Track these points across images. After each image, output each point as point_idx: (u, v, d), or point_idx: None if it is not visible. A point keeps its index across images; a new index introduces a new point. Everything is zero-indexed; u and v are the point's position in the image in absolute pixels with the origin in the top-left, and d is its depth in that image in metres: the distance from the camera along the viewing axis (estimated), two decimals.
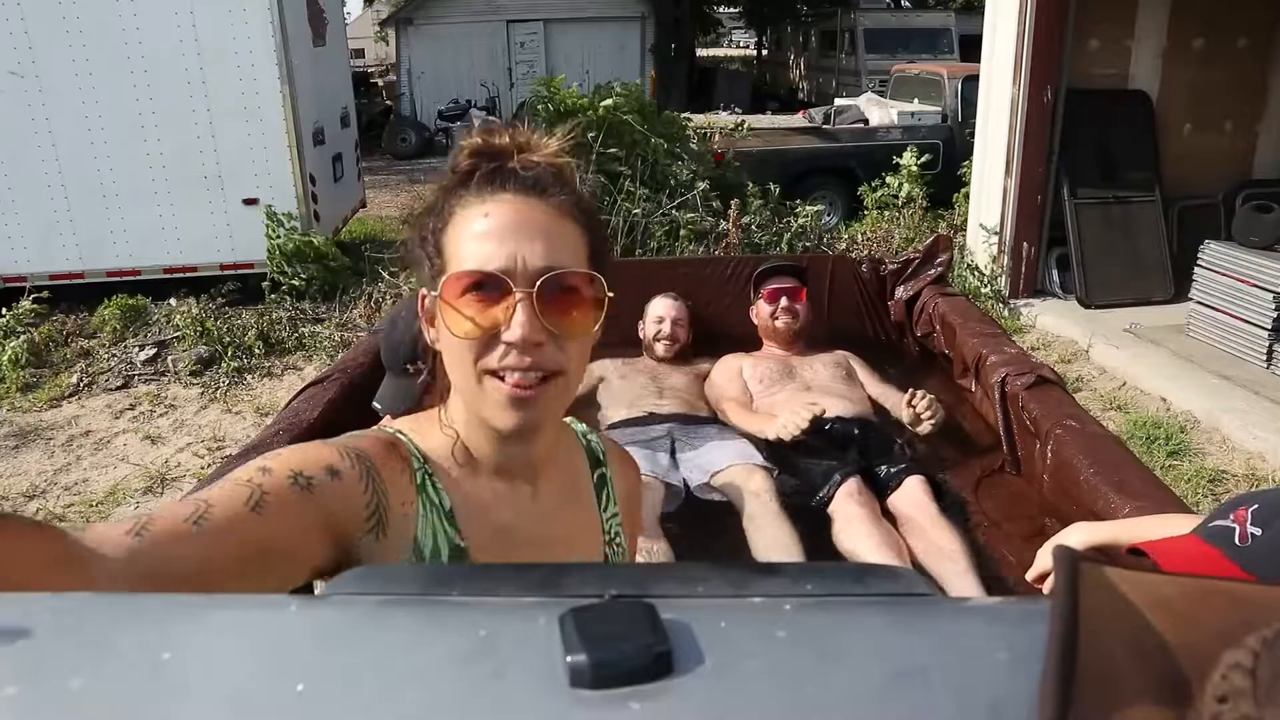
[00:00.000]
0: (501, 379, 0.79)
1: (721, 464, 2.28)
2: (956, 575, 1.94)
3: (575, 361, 0.82)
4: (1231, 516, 0.83)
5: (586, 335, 0.82)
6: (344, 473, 0.79)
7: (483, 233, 0.79)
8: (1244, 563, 0.78)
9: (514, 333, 0.76)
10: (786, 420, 2.32)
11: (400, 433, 0.89)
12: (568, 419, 1.01)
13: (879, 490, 2.29)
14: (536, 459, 0.91)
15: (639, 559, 0.93)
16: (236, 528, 0.70)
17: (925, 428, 2.40)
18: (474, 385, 0.80)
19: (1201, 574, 0.82)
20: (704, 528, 2.21)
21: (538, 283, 0.77)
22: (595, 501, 0.99)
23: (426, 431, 0.90)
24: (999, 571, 2.00)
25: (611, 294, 0.82)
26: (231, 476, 0.75)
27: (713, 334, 3.05)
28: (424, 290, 0.86)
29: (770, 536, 2.03)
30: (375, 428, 0.91)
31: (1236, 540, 0.80)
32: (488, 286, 0.77)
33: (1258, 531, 0.78)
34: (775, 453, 2.36)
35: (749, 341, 2.95)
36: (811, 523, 2.17)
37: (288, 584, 0.76)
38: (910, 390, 2.47)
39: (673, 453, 2.43)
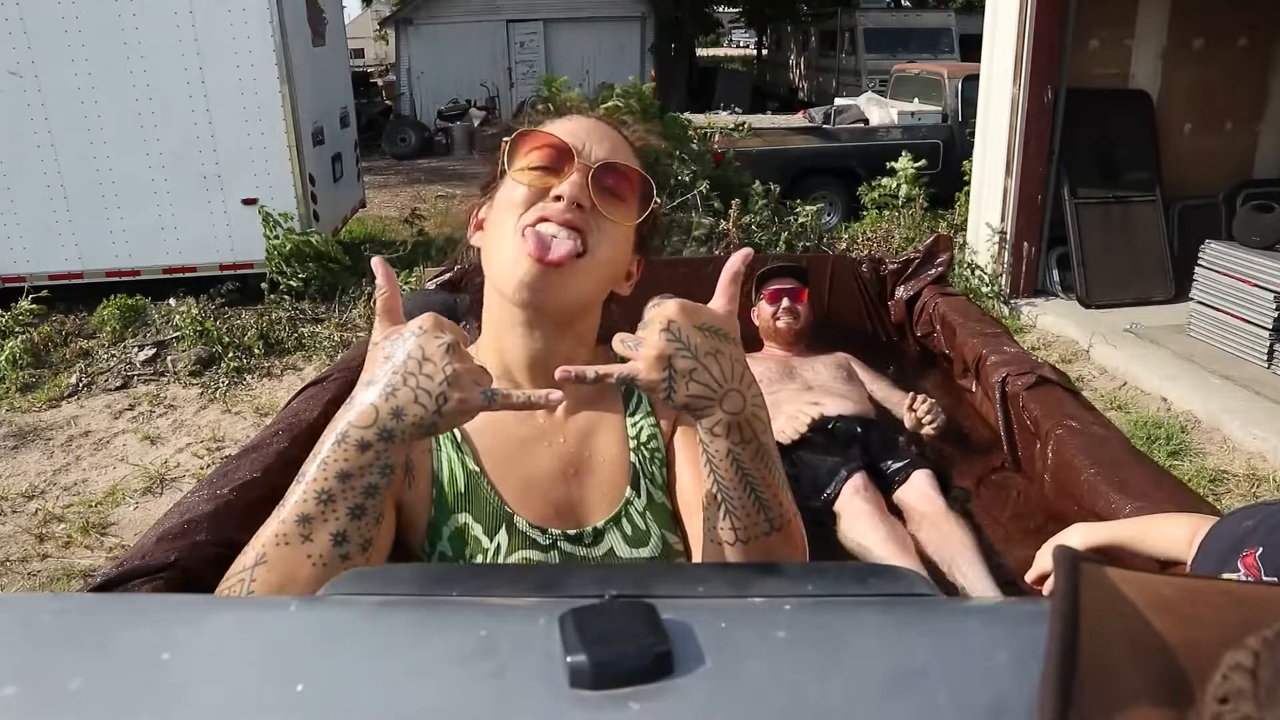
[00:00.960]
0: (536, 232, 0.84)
1: None
2: (968, 569, 1.94)
3: (606, 250, 0.87)
4: (1240, 567, 0.82)
5: (628, 220, 0.89)
6: None
7: (559, 126, 0.90)
8: None
9: (564, 189, 0.84)
10: (784, 425, 2.32)
11: None
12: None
13: (884, 486, 2.29)
14: (554, 367, 0.93)
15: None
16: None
17: (928, 431, 2.41)
18: (509, 242, 0.85)
19: None
20: None
21: (595, 165, 0.86)
22: (622, 408, 0.98)
23: None
24: (999, 572, 2.00)
25: (658, 200, 0.92)
26: None
27: None
28: (478, 202, 0.97)
29: None
30: None
31: None
32: (552, 159, 0.86)
33: (1274, 580, 0.78)
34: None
35: (750, 342, 2.95)
36: (816, 520, 2.17)
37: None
38: (911, 394, 2.48)
39: None
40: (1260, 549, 0.81)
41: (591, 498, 0.92)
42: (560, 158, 0.86)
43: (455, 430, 0.91)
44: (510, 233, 0.85)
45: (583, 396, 0.96)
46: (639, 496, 0.93)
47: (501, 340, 0.92)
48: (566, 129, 0.88)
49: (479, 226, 0.95)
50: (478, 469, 0.90)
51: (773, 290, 2.85)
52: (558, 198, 0.83)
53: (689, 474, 0.92)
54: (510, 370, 0.93)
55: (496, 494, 0.89)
